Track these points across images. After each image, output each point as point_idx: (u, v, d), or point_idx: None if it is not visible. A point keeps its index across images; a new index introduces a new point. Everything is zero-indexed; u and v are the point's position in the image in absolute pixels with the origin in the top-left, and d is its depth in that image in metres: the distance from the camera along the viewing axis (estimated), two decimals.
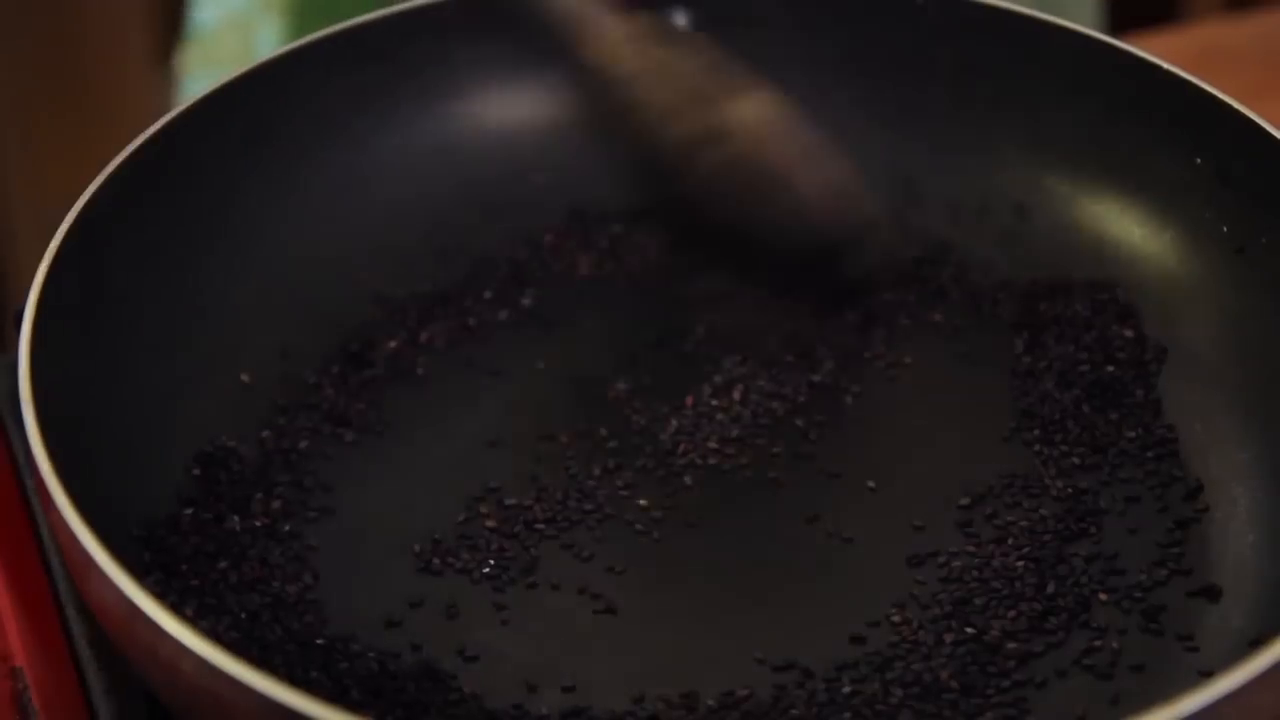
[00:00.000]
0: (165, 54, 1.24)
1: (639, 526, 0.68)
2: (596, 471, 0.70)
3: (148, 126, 0.70)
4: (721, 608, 0.66)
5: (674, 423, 0.71)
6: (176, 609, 0.59)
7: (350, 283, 0.76)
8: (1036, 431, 0.71)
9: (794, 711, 0.62)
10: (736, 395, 0.72)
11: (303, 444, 0.70)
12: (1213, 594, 0.65)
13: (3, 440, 0.71)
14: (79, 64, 1.37)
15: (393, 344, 0.74)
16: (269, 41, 1.09)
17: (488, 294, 0.76)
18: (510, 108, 0.80)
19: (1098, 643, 0.64)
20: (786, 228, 0.72)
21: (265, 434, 0.70)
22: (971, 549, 0.67)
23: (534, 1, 0.70)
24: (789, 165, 0.72)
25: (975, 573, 0.66)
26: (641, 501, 0.69)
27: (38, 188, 1.33)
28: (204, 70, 1.09)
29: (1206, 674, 0.61)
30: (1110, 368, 0.72)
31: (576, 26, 0.70)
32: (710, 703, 0.62)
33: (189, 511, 0.66)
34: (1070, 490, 0.68)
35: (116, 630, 0.59)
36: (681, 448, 0.70)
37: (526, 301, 0.76)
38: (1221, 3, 1.35)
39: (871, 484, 0.69)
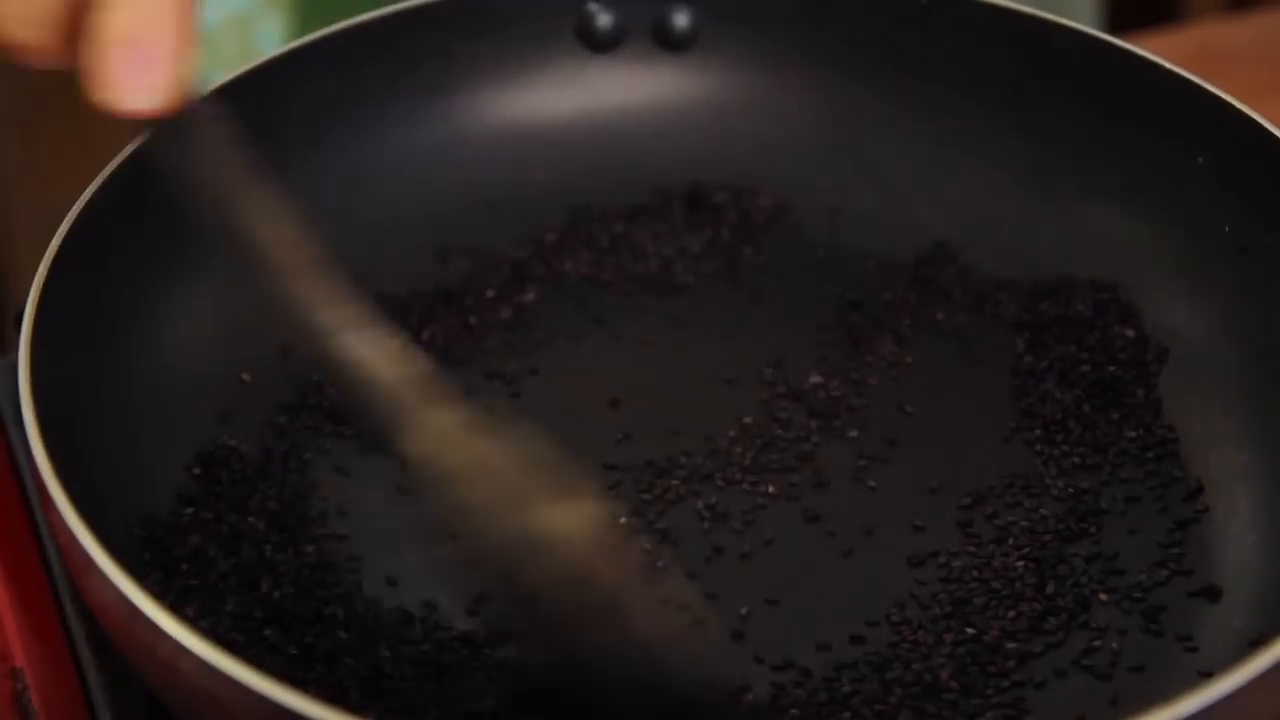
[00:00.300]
0: None
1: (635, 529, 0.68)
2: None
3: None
4: (719, 607, 0.65)
5: (671, 423, 0.71)
6: (176, 609, 0.59)
7: (350, 281, 0.75)
8: (1037, 431, 0.71)
9: (793, 711, 0.62)
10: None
11: (304, 443, 0.70)
12: (1213, 594, 0.65)
13: (2, 440, 0.71)
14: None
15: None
16: (271, 40, 1.09)
17: (489, 293, 0.76)
18: (512, 106, 0.80)
19: (1097, 643, 0.64)
20: (617, 656, 0.59)
21: (266, 433, 0.70)
22: (971, 549, 0.67)
23: (357, 390, 0.59)
24: (617, 581, 0.59)
25: (975, 573, 0.66)
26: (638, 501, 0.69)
27: (38, 188, 1.33)
28: (205, 69, 1.09)
29: (1206, 674, 0.61)
30: (1111, 368, 0.72)
31: (395, 417, 0.59)
32: (710, 702, 0.62)
33: (189, 511, 0.66)
34: (1070, 490, 0.68)
35: (116, 630, 0.59)
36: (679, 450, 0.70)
37: (528, 300, 0.76)
38: (1221, 3, 1.35)
39: (873, 483, 0.69)
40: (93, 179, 0.68)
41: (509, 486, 0.59)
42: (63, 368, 0.63)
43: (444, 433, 0.59)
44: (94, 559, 0.56)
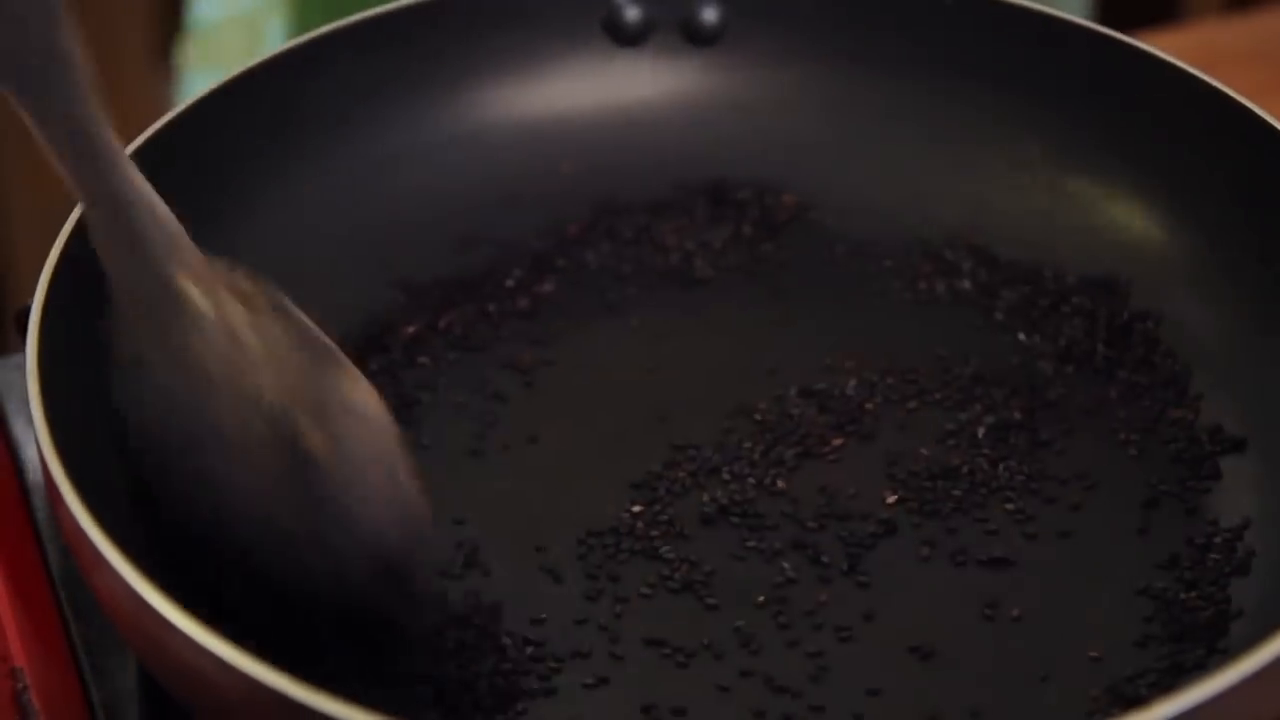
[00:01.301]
0: (165, 51, 1.24)
1: (631, 531, 0.68)
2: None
3: (147, 126, 0.70)
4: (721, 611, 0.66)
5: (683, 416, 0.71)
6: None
7: (370, 270, 0.76)
8: (1047, 436, 0.71)
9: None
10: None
11: None
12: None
13: (3, 440, 0.71)
14: None
15: (410, 329, 0.74)
16: (277, 38, 1.09)
17: (509, 282, 0.76)
18: (538, 98, 0.80)
19: None
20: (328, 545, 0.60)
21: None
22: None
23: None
24: (358, 470, 0.60)
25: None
26: (636, 508, 0.69)
27: (38, 188, 1.33)
28: (205, 65, 1.09)
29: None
30: (1123, 371, 0.72)
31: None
32: None
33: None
34: (1082, 487, 0.69)
35: (126, 626, 0.59)
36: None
37: (547, 290, 0.76)
38: (1221, 3, 1.35)
39: (889, 486, 0.69)
40: None
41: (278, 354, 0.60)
42: (69, 365, 0.63)
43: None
44: (103, 555, 0.56)
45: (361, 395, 0.62)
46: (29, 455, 0.71)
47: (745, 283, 0.77)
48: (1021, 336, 0.74)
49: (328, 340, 0.62)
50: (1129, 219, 0.76)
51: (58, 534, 0.67)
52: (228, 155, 0.73)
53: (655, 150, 0.80)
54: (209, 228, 0.72)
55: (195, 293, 0.60)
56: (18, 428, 0.72)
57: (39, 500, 0.69)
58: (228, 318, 0.60)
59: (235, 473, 0.60)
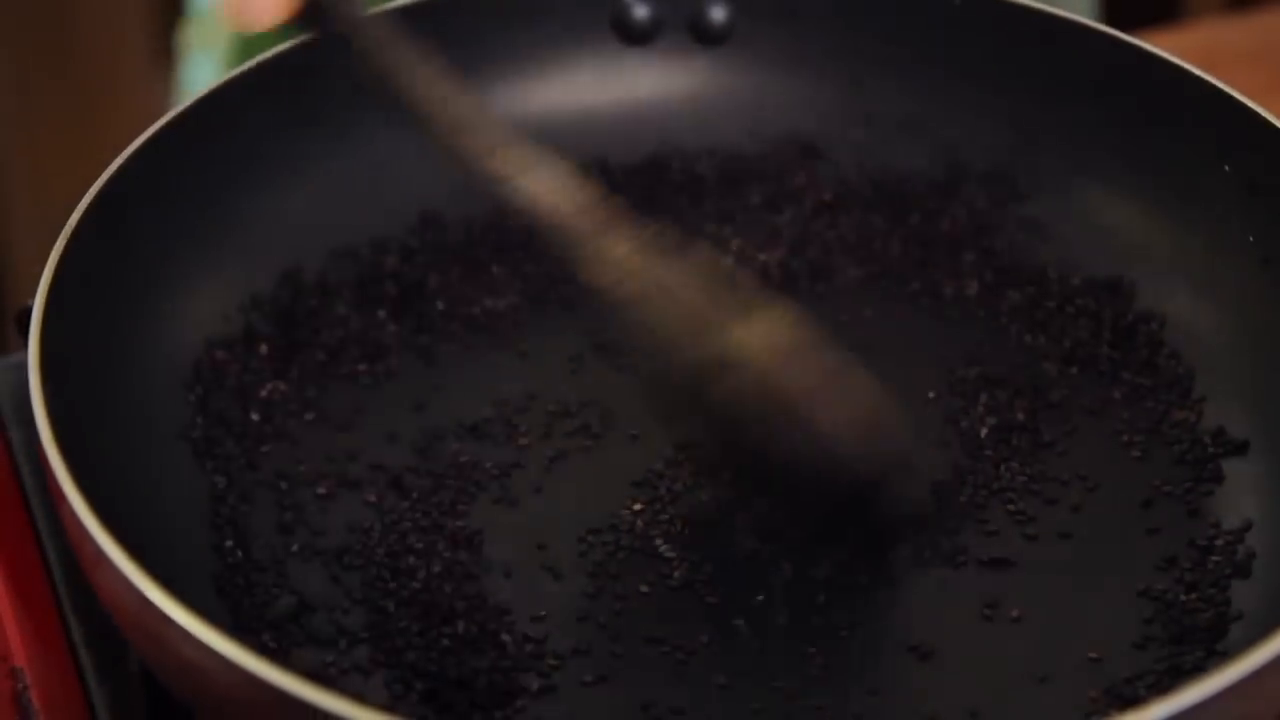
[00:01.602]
0: (164, 47, 1.24)
1: (631, 529, 0.68)
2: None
3: (147, 125, 0.70)
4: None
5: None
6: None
7: (371, 269, 0.76)
8: (1050, 437, 0.71)
9: None
10: None
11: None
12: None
13: (2, 441, 0.71)
14: (79, 64, 1.37)
15: (410, 328, 0.74)
16: None
17: (509, 281, 0.76)
18: (546, 96, 0.80)
19: None
20: (808, 465, 0.63)
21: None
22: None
23: (533, 227, 0.64)
24: (806, 395, 0.63)
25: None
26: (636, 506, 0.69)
27: (38, 188, 1.33)
28: (204, 50, 1.10)
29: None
30: (1127, 372, 0.72)
31: (575, 248, 0.64)
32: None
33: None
34: (1087, 488, 0.69)
35: (127, 622, 0.59)
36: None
37: (549, 287, 0.76)
38: (1222, 3, 1.35)
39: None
40: (93, 179, 0.68)
41: (692, 307, 0.63)
42: (70, 365, 0.63)
43: (623, 260, 0.64)
44: (105, 553, 0.56)
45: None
46: (29, 455, 0.71)
47: (747, 282, 0.77)
48: (1026, 338, 0.74)
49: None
50: (1132, 220, 0.76)
51: (58, 534, 0.67)
52: (227, 155, 0.73)
53: (663, 148, 0.80)
54: (209, 227, 0.72)
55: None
56: (18, 427, 0.72)
57: (39, 500, 0.69)
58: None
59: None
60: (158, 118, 0.71)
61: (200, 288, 0.72)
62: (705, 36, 0.81)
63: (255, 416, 0.70)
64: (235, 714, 0.57)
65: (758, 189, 0.79)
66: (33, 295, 0.64)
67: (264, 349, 0.72)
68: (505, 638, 0.64)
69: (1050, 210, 0.78)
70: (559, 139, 0.79)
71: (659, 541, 0.67)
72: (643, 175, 0.79)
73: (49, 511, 0.68)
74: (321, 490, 0.68)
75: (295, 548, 0.67)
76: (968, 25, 0.79)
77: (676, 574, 0.66)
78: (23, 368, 0.62)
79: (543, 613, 0.65)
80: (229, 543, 0.66)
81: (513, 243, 0.77)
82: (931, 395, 0.72)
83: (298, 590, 0.65)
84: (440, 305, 0.75)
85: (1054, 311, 0.75)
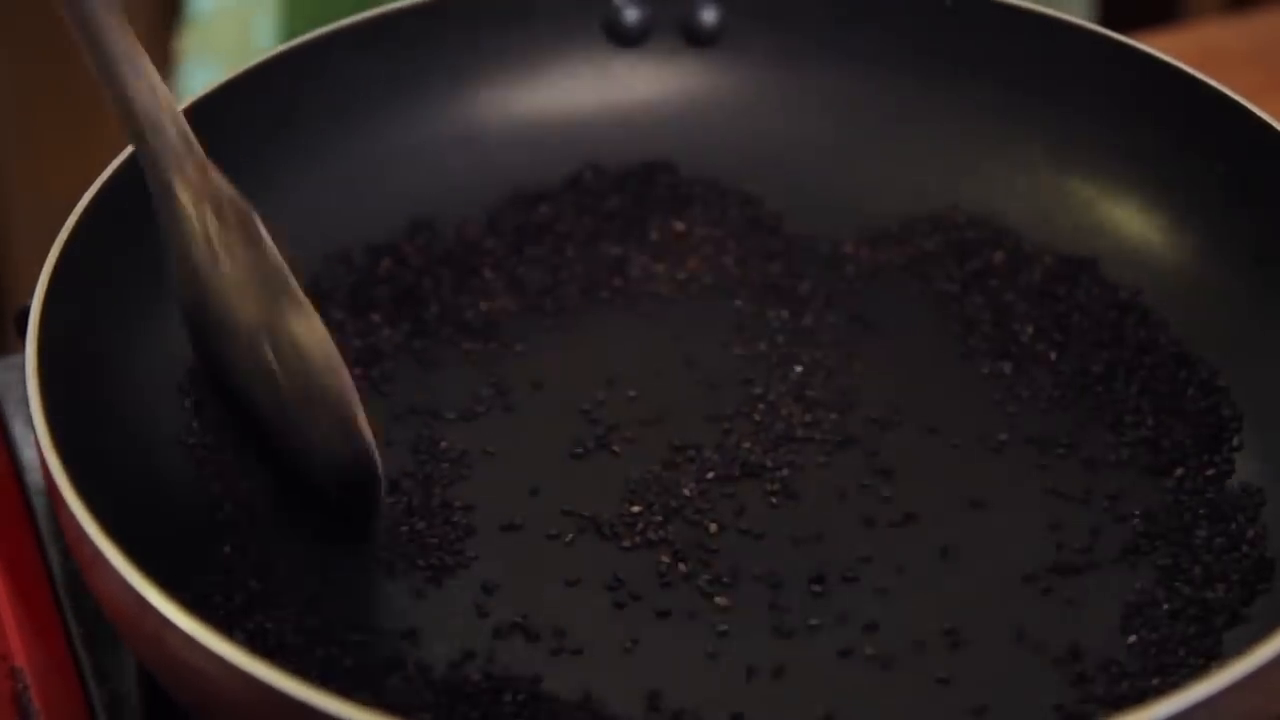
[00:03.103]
0: (162, 53, 1.24)
1: (631, 529, 0.68)
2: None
3: None
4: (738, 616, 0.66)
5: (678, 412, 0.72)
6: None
7: (370, 268, 0.76)
8: (1039, 442, 0.71)
9: None
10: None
11: None
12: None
13: (3, 440, 0.71)
14: (79, 64, 1.37)
15: (410, 327, 0.74)
16: (265, 30, 1.09)
17: (509, 281, 0.76)
18: (537, 99, 0.80)
19: None
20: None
21: None
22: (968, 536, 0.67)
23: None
24: (303, 408, 0.64)
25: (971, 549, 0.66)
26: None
27: (38, 188, 1.33)
28: (201, 57, 1.10)
29: None
30: (1124, 371, 0.73)
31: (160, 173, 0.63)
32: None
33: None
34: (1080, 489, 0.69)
35: (125, 625, 0.59)
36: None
37: (548, 288, 0.76)
38: (1220, 3, 1.35)
39: (885, 492, 0.69)
40: (92, 179, 0.68)
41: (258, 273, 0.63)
42: (68, 365, 0.63)
43: (195, 205, 0.63)
44: (103, 554, 0.56)
45: (311, 336, 0.63)
46: (29, 455, 0.71)
47: (745, 282, 0.77)
48: (1023, 336, 0.74)
49: (288, 274, 0.63)
50: (1129, 219, 0.76)
51: (58, 534, 0.67)
52: (227, 155, 0.73)
53: (654, 150, 0.80)
54: None
55: (186, 200, 0.63)
56: (17, 428, 0.72)
57: (39, 500, 0.69)
58: (208, 230, 0.63)
59: (239, 363, 0.65)
60: None
61: None
62: (696, 38, 0.81)
63: None
64: (233, 716, 0.57)
65: (747, 186, 0.79)
66: (33, 295, 0.64)
67: None
68: (504, 636, 0.64)
69: (1045, 209, 0.78)
70: (550, 141, 0.79)
71: (659, 541, 0.67)
72: (635, 177, 0.79)
73: (49, 511, 0.68)
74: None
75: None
76: (961, 25, 0.79)
77: (676, 574, 0.66)
78: (24, 368, 0.62)
79: (541, 612, 0.65)
80: (226, 548, 0.66)
81: (505, 247, 0.77)
82: (929, 396, 0.72)
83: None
84: (434, 309, 0.75)
85: (1047, 309, 0.75)
